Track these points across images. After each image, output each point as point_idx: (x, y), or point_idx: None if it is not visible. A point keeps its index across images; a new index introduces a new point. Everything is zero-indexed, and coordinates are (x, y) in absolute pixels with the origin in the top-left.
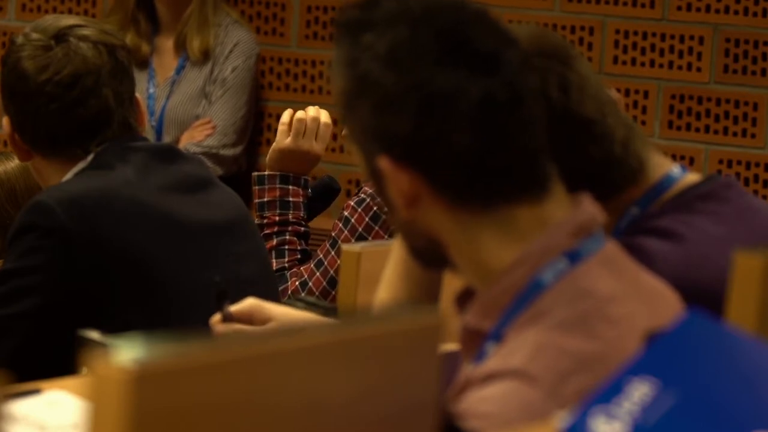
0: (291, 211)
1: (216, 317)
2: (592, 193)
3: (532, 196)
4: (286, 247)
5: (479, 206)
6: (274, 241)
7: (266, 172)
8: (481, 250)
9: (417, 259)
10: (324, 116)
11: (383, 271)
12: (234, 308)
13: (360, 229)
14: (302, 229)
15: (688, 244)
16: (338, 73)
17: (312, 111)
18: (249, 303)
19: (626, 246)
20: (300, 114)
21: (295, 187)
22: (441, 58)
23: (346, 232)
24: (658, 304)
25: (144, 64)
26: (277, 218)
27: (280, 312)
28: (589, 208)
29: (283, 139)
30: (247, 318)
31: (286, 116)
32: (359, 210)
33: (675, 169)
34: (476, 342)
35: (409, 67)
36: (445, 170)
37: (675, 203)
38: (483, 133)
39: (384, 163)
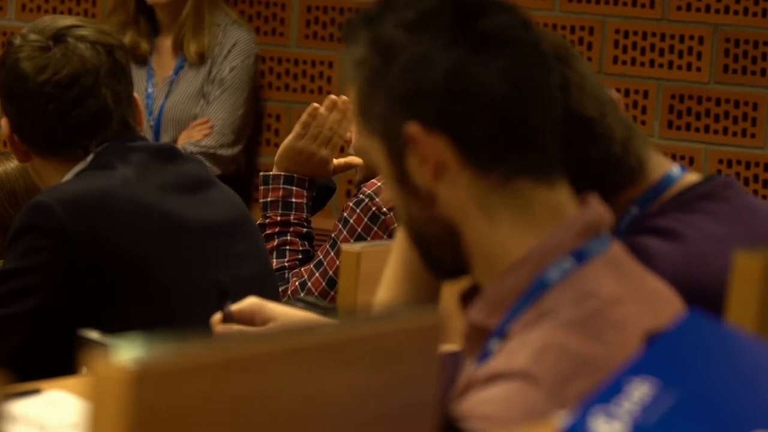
0: (293, 212)
1: (216, 317)
2: (591, 192)
3: (547, 177)
4: (287, 247)
5: (502, 178)
6: (276, 242)
7: (272, 172)
8: (496, 234)
9: (427, 265)
10: (343, 128)
11: (383, 272)
12: (235, 308)
13: (359, 230)
14: (304, 230)
15: (688, 244)
16: (358, 59)
17: (332, 120)
18: (250, 302)
19: (626, 245)
20: (321, 119)
21: (298, 189)
22: (462, 36)
23: (345, 232)
24: (661, 306)
25: (143, 62)
26: (278, 218)
27: (281, 311)
28: (598, 209)
29: (298, 138)
30: (248, 318)
31: (305, 121)
32: (358, 211)
33: (675, 168)
34: (480, 339)
35: (437, 28)
36: (475, 129)
37: (675, 203)
38: (515, 89)
39: (414, 129)
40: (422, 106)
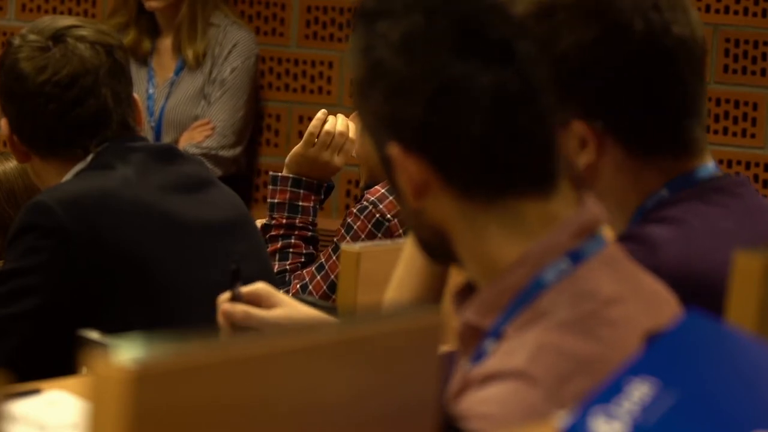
0: (299, 216)
1: (225, 295)
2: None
3: (540, 190)
4: (291, 250)
5: (487, 198)
6: (279, 244)
7: (280, 173)
8: (486, 245)
9: (424, 252)
10: (352, 131)
11: (382, 272)
12: (245, 290)
13: (363, 237)
14: (309, 233)
15: (692, 232)
16: (354, 61)
17: (341, 125)
18: (259, 287)
19: (633, 235)
20: (329, 126)
21: (306, 192)
22: (454, 47)
23: (348, 238)
24: (658, 305)
25: (144, 61)
26: (284, 221)
27: (288, 300)
28: (593, 209)
29: (307, 146)
30: (256, 301)
31: (315, 126)
32: (362, 218)
33: (710, 164)
34: (475, 339)
35: (422, 55)
36: (454, 159)
37: (691, 193)
38: (493, 122)
39: (394, 151)
40: (402, 131)
